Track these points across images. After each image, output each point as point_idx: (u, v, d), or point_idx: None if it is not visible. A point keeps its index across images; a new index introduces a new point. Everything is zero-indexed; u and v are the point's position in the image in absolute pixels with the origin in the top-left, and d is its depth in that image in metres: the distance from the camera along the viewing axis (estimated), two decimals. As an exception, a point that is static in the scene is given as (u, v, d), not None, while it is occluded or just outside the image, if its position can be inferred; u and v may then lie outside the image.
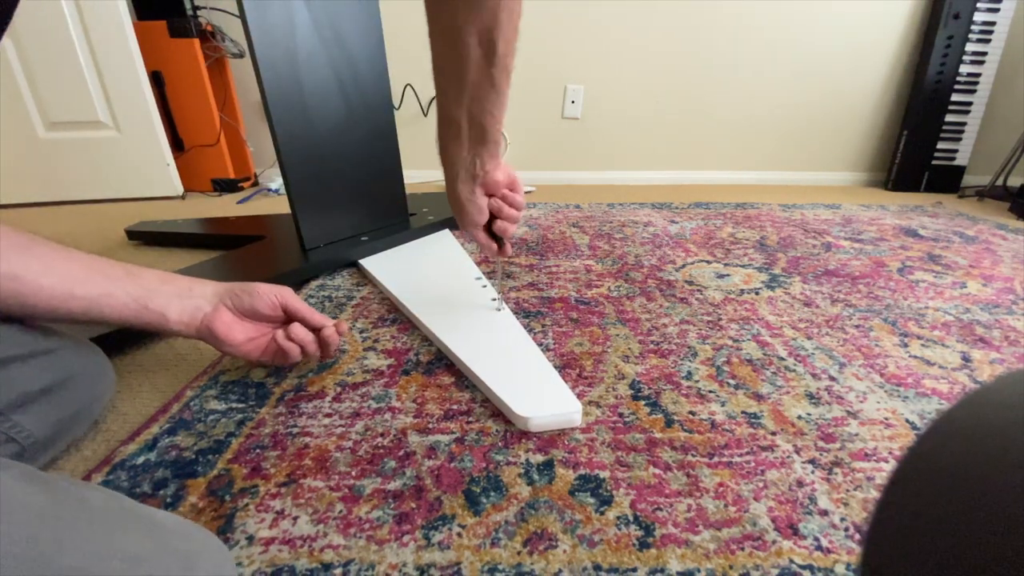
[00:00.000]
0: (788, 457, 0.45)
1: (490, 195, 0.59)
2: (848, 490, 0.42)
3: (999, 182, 1.62)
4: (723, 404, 0.53)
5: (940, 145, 1.75)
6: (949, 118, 1.72)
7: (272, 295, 0.53)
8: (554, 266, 0.93)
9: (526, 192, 1.63)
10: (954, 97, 1.70)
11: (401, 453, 0.45)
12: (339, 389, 0.55)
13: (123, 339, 0.63)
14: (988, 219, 1.37)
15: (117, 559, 0.23)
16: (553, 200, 1.52)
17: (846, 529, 0.38)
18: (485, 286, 0.78)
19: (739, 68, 1.75)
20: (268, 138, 0.81)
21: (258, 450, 0.46)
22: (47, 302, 0.41)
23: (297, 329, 0.53)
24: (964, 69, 1.67)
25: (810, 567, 0.35)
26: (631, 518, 0.39)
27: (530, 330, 0.67)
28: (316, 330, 0.55)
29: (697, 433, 0.48)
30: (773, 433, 0.48)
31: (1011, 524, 0.12)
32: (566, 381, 0.54)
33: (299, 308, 0.55)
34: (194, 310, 0.49)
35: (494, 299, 0.72)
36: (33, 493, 0.22)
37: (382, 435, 0.47)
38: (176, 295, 0.49)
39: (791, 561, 0.35)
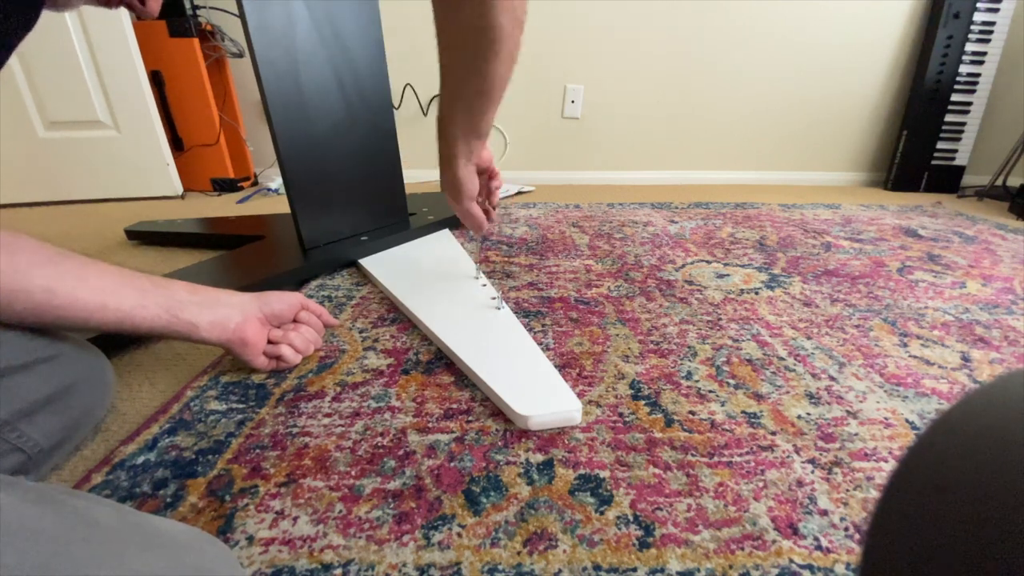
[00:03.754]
0: (788, 457, 0.45)
1: (480, 171, 0.66)
2: (848, 490, 0.42)
3: (999, 182, 1.62)
4: (723, 404, 0.53)
5: (940, 145, 1.75)
6: (949, 118, 1.72)
7: (296, 298, 0.60)
8: (554, 266, 0.93)
9: (526, 191, 1.64)
10: (954, 97, 1.70)
11: (401, 453, 0.45)
12: (339, 389, 0.55)
13: (122, 339, 0.63)
14: (988, 219, 1.37)
15: None
16: (553, 200, 1.52)
17: (846, 529, 0.38)
18: (485, 285, 0.78)
19: (739, 68, 1.75)
20: (268, 138, 0.81)
21: (258, 450, 0.46)
22: (80, 314, 0.42)
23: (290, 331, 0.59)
24: (964, 69, 1.67)
25: (810, 567, 0.35)
26: (631, 518, 0.39)
27: (530, 330, 0.67)
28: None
29: (697, 433, 0.48)
30: (773, 433, 0.48)
31: (1011, 525, 0.12)
32: (566, 380, 0.54)
33: (314, 308, 0.62)
34: (225, 319, 0.52)
35: (494, 298, 0.72)
36: (41, 515, 0.22)
37: (382, 435, 0.47)
38: (205, 304, 0.51)
39: (791, 561, 0.35)
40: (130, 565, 0.23)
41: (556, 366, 0.58)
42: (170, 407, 0.52)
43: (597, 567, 0.35)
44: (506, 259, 0.96)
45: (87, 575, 0.21)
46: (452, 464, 0.44)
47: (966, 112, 1.72)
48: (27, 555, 0.20)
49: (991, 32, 1.63)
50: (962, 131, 1.74)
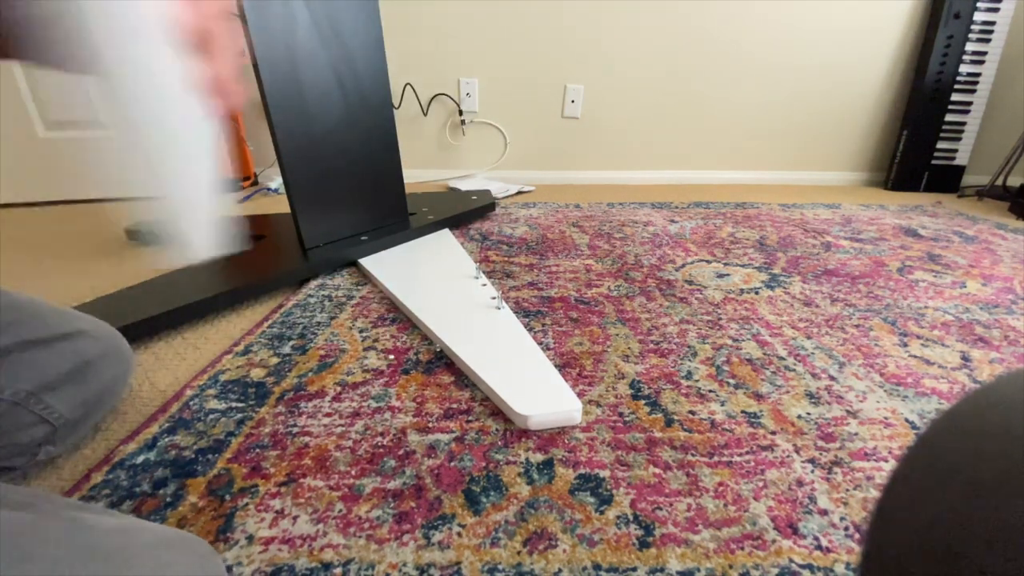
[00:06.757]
0: (788, 456, 0.45)
1: None
2: (848, 489, 0.42)
3: (999, 182, 1.62)
4: (723, 404, 0.53)
5: (940, 145, 1.75)
6: (949, 118, 1.72)
7: None
8: (554, 266, 0.93)
9: (526, 191, 1.64)
10: (954, 97, 1.70)
11: (401, 452, 0.45)
12: (339, 388, 0.55)
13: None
14: (988, 219, 1.37)
15: None
16: (553, 200, 1.52)
17: (846, 528, 0.38)
18: (485, 285, 0.78)
19: (739, 68, 1.75)
20: (268, 138, 0.81)
21: (258, 449, 0.46)
22: None
23: None
24: (964, 69, 1.67)
25: (810, 566, 0.35)
26: (631, 517, 0.39)
27: (530, 329, 0.67)
28: None
29: (697, 433, 0.48)
30: (773, 432, 0.48)
31: (1010, 523, 0.12)
32: (566, 380, 0.54)
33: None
34: None
35: (494, 298, 0.72)
36: None
37: (382, 434, 0.47)
38: None
39: (791, 560, 0.35)
40: None
41: (556, 366, 0.58)
42: (170, 406, 0.52)
43: (597, 567, 0.35)
44: (506, 259, 0.96)
45: None
46: (452, 464, 0.44)
47: (966, 112, 1.72)
48: None
49: (991, 32, 1.63)
50: (962, 131, 1.74)
